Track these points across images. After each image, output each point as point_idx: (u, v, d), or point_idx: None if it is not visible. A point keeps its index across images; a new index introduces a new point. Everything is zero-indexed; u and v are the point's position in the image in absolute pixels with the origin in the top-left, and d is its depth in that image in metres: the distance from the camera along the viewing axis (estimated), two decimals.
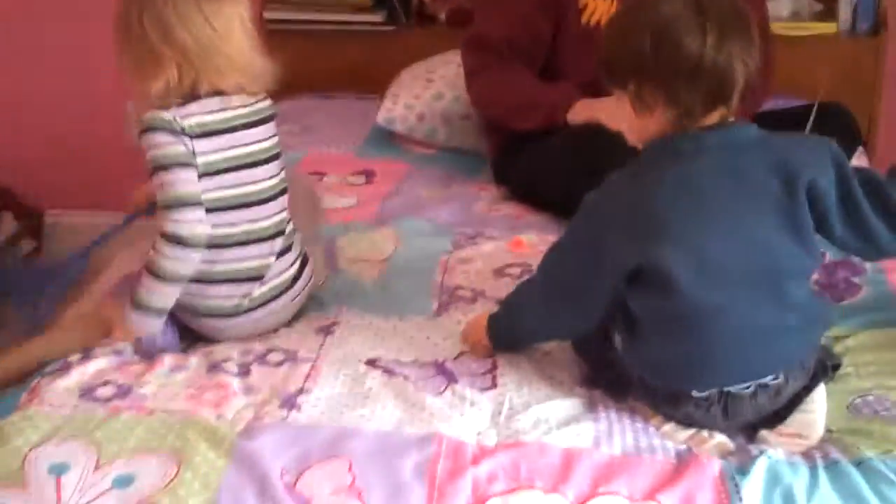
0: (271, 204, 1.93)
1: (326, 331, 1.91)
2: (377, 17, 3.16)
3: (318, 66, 3.09)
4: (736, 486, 1.51)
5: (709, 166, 1.59)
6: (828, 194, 1.60)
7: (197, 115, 1.83)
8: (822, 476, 1.53)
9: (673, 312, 1.59)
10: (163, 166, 1.80)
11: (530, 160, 2.50)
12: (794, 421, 1.66)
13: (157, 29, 1.79)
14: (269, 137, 1.94)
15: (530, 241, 2.29)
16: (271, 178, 1.93)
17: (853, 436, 1.63)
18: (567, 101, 2.39)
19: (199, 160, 1.82)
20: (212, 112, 1.84)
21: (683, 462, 1.57)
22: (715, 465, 1.55)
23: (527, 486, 1.51)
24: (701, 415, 1.64)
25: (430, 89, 2.86)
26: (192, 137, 1.81)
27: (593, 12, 2.52)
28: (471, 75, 2.59)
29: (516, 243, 2.29)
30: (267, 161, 1.93)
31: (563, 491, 1.50)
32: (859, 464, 1.55)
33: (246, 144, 1.88)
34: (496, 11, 2.55)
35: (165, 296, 1.84)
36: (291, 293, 1.96)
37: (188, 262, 1.81)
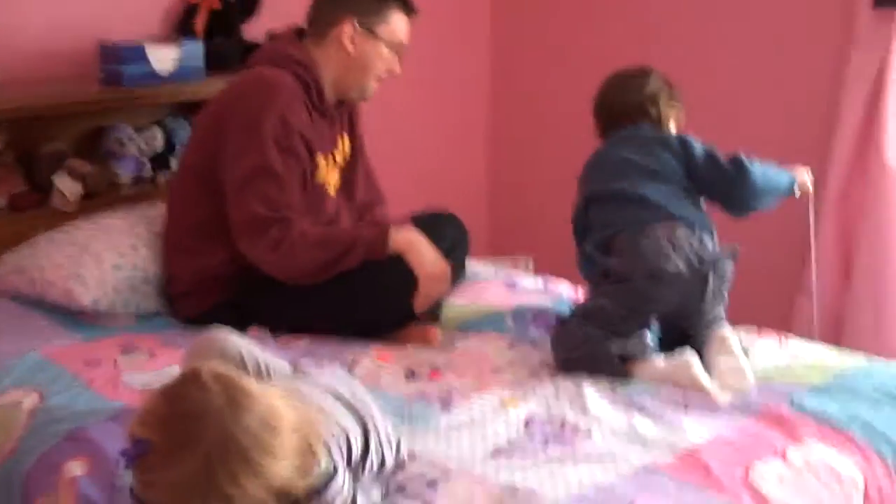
0: None
1: None
2: None
3: None
4: None
5: None
6: None
7: None
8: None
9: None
10: None
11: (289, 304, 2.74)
12: (727, 361, 2.46)
13: None
14: None
15: (385, 349, 2.64)
16: None
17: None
18: (382, 236, 2.70)
19: None
20: None
21: None
22: None
23: None
24: (656, 246, 2.52)
25: (104, 262, 2.82)
26: None
27: (323, 174, 2.87)
28: (272, 243, 2.67)
29: (382, 357, 2.60)
30: None
31: None
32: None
33: None
34: (278, 167, 2.70)
35: None
36: None
37: None
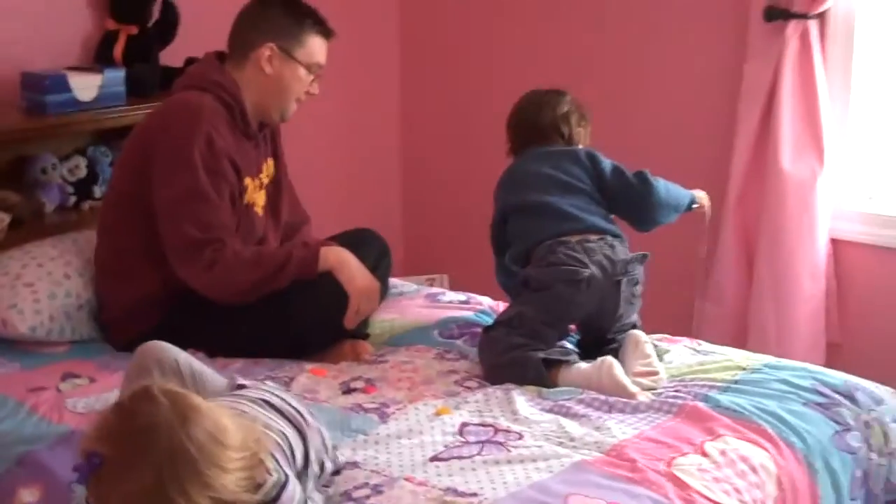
0: None
1: None
2: None
3: None
4: None
5: None
6: None
7: None
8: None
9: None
10: None
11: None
12: (642, 363, 2.63)
13: None
14: None
15: (319, 366, 2.74)
16: None
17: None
18: (313, 255, 2.82)
19: None
20: None
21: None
22: None
23: None
24: (572, 254, 2.70)
25: (38, 291, 2.87)
26: None
27: (251, 195, 2.97)
28: (206, 264, 2.76)
29: (317, 373, 2.70)
30: None
31: None
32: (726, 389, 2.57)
33: None
34: (208, 189, 2.78)
35: None
36: None
37: None
